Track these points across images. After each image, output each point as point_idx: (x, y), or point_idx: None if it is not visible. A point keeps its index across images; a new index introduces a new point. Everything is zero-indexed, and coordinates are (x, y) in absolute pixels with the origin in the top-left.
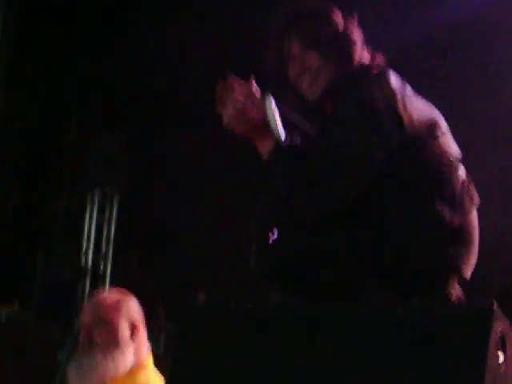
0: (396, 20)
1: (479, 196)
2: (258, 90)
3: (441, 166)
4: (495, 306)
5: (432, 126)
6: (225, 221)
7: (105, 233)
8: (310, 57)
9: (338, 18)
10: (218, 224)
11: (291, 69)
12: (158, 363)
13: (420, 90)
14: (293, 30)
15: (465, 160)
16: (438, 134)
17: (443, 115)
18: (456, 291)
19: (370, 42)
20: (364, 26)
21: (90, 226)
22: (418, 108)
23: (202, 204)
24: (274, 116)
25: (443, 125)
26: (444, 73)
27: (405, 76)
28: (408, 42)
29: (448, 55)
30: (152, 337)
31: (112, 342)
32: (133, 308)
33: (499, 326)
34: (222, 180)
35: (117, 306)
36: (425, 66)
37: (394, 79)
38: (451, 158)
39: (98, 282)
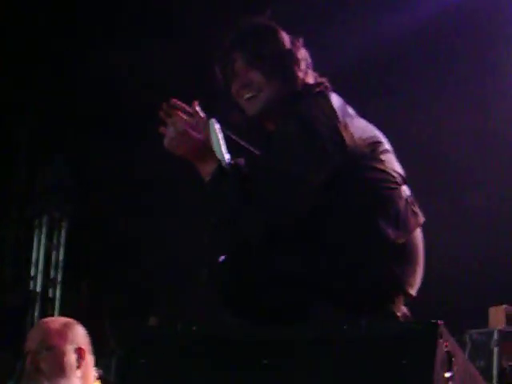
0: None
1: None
2: (202, 113)
3: (384, 183)
4: (440, 323)
5: (374, 145)
6: (177, 244)
7: (53, 258)
8: (252, 74)
9: (284, 36)
10: (169, 248)
11: (234, 84)
12: None
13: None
14: (238, 47)
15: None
16: (381, 152)
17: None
18: (402, 309)
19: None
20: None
21: (38, 252)
22: (360, 127)
23: (153, 228)
24: (217, 137)
25: (386, 143)
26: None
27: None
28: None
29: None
30: (103, 362)
31: (58, 369)
32: (79, 333)
33: (445, 343)
34: (173, 202)
35: (62, 332)
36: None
37: (336, 99)
38: (395, 175)
39: (47, 307)
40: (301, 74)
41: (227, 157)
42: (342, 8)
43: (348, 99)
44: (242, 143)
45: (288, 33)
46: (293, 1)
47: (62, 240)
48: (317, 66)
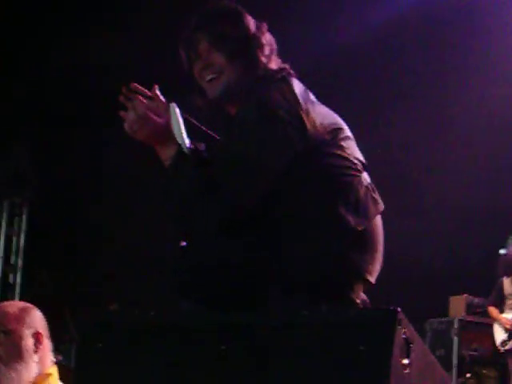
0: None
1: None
2: (162, 97)
3: (345, 170)
4: (399, 311)
5: (336, 131)
6: (139, 231)
7: (14, 244)
8: (215, 55)
9: (249, 20)
10: (131, 235)
11: (196, 65)
12: (69, 375)
13: None
14: (202, 29)
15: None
16: (342, 138)
17: None
18: (361, 296)
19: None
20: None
21: None
22: (321, 113)
23: (115, 215)
24: (178, 122)
25: (347, 130)
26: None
27: None
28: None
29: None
30: (63, 349)
31: (15, 353)
32: (36, 318)
33: (403, 330)
34: (135, 189)
35: (19, 316)
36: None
37: (297, 85)
38: (356, 162)
39: (7, 293)
40: (264, 59)
41: (187, 141)
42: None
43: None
44: (203, 128)
45: (256, 18)
46: None
47: (23, 226)
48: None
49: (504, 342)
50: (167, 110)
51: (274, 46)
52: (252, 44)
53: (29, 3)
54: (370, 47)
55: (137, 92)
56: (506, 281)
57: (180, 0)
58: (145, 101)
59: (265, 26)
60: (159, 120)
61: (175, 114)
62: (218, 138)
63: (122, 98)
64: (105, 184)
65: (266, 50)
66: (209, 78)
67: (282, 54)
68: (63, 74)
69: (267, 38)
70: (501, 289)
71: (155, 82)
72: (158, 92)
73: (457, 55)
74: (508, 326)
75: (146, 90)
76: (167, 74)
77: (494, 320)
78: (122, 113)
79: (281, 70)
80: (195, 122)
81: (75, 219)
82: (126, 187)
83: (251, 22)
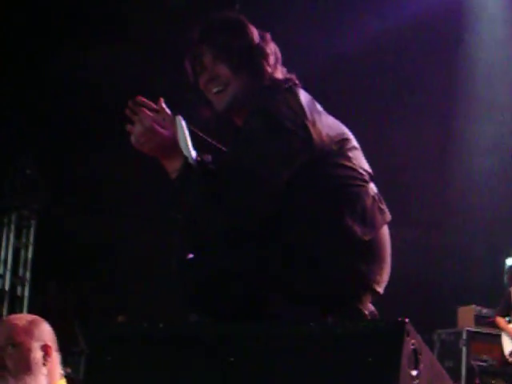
0: None
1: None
2: (168, 110)
3: (351, 180)
4: (407, 321)
5: (342, 142)
6: (147, 244)
7: (22, 256)
8: (220, 67)
9: (253, 31)
10: (138, 247)
11: (202, 78)
12: None
13: None
14: (206, 40)
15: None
16: (349, 149)
17: None
18: (369, 307)
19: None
20: None
21: (6, 250)
22: (328, 124)
23: (122, 228)
24: (184, 134)
25: (353, 140)
26: None
27: None
28: None
29: None
30: (72, 361)
31: (24, 366)
32: (45, 330)
33: (411, 341)
34: (145, 203)
35: (28, 329)
36: None
37: (304, 95)
38: (362, 173)
39: (16, 306)
40: (269, 69)
41: (194, 154)
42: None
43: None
44: (209, 140)
45: (257, 27)
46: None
47: (31, 238)
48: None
49: None
50: (173, 122)
51: (279, 55)
52: (257, 54)
53: (36, 16)
54: (369, 56)
55: (142, 105)
56: None
57: (181, 13)
58: (151, 114)
59: (268, 36)
60: (166, 133)
61: (181, 126)
62: (224, 149)
63: (127, 112)
64: (114, 196)
65: (271, 60)
66: (215, 90)
67: (288, 63)
68: (70, 85)
69: (272, 48)
70: (509, 299)
71: (160, 95)
72: (163, 105)
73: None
74: None
75: (152, 103)
76: (172, 86)
77: (502, 330)
78: (128, 126)
79: (287, 79)
80: (201, 134)
81: (83, 231)
82: (135, 199)
83: (255, 32)
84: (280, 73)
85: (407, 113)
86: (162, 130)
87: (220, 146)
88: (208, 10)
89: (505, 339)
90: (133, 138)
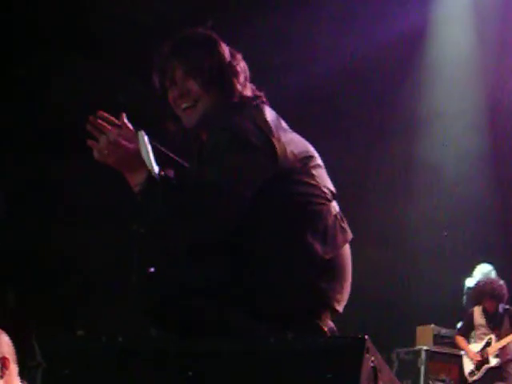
0: None
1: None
2: (130, 125)
3: (314, 198)
4: (366, 338)
5: (307, 159)
6: (107, 256)
7: None
8: (190, 83)
9: (224, 48)
10: (99, 260)
11: (171, 92)
12: None
13: None
14: (177, 56)
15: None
16: (313, 166)
17: None
18: (329, 324)
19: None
20: None
21: None
22: (293, 141)
23: (83, 240)
24: (146, 149)
25: (318, 159)
26: None
27: None
28: None
29: None
30: (29, 374)
31: None
32: (3, 342)
33: (371, 358)
34: (105, 214)
35: None
36: None
37: (269, 112)
38: (325, 191)
39: None
40: (239, 87)
41: (156, 168)
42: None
43: None
44: (171, 155)
45: (228, 45)
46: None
47: None
48: None
49: (472, 373)
50: (135, 137)
51: (248, 74)
52: (227, 72)
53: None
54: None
55: (104, 120)
56: (477, 311)
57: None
58: (115, 127)
59: (239, 54)
60: (129, 145)
61: (144, 141)
62: (186, 165)
63: (89, 127)
64: (71, 207)
65: (241, 78)
66: (184, 106)
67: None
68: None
69: (242, 66)
70: (471, 318)
71: (121, 110)
72: (125, 120)
73: None
74: (475, 360)
75: (114, 118)
76: (135, 101)
77: (462, 350)
78: (89, 142)
79: (255, 97)
80: (163, 149)
81: (42, 242)
82: (97, 211)
83: (226, 50)
84: (249, 90)
85: (373, 131)
86: (125, 143)
87: (182, 162)
88: (180, 27)
89: (465, 359)
90: (95, 152)
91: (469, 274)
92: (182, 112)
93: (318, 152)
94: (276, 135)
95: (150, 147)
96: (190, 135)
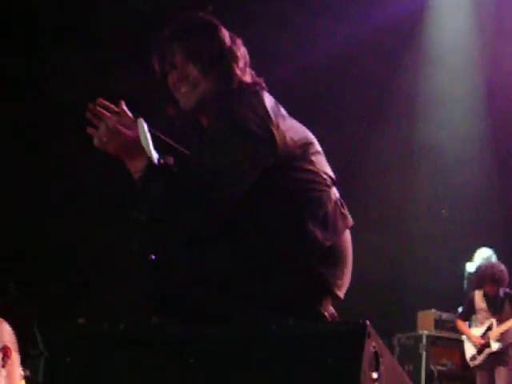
0: None
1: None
2: (129, 112)
3: (314, 185)
4: (368, 323)
5: (306, 146)
6: (107, 244)
7: None
8: (190, 67)
9: (225, 33)
10: (100, 248)
11: (171, 76)
12: None
13: None
14: (178, 40)
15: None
16: (312, 153)
17: None
18: (330, 310)
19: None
20: None
21: None
22: (292, 128)
23: (84, 227)
24: (145, 137)
25: (317, 145)
26: None
27: None
28: None
29: None
30: (31, 363)
31: None
32: (4, 331)
33: (372, 343)
34: (101, 202)
35: None
36: None
37: (269, 99)
38: (325, 177)
39: None
40: (239, 72)
41: (155, 156)
42: None
43: None
44: (171, 142)
45: (228, 30)
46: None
47: None
48: None
49: (474, 357)
50: (135, 124)
51: (248, 59)
52: (227, 57)
53: None
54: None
55: (103, 107)
56: (477, 295)
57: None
58: (114, 114)
59: (239, 40)
60: (129, 132)
61: (143, 128)
62: (186, 152)
63: (88, 114)
64: (73, 194)
65: (241, 63)
66: (184, 90)
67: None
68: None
69: (242, 51)
70: (472, 303)
71: (122, 97)
72: (124, 107)
73: None
74: (477, 344)
75: (113, 106)
76: (134, 89)
77: (462, 334)
78: (89, 129)
79: (254, 83)
80: (163, 136)
81: (43, 230)
82: (93, 197)
83: (226, 35)
84: (249, 76)
85: (372, 116)
86: (125, 130)
87: (182, 149)
88: (179, 11)
89: (467, 344)
90: (95, 139)
91: (469, 258)
92: (181, 95)
93: (317, 138)
94: (275, 122)
95: (149, 135)
96: (188, 118)
